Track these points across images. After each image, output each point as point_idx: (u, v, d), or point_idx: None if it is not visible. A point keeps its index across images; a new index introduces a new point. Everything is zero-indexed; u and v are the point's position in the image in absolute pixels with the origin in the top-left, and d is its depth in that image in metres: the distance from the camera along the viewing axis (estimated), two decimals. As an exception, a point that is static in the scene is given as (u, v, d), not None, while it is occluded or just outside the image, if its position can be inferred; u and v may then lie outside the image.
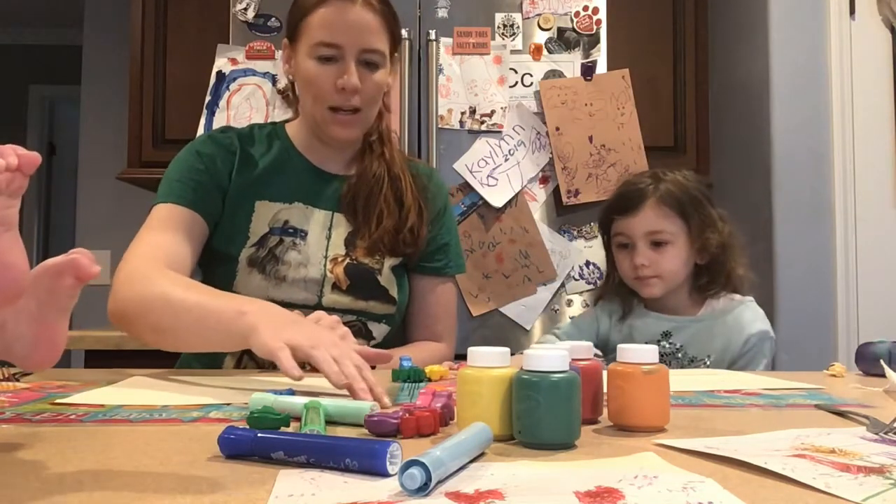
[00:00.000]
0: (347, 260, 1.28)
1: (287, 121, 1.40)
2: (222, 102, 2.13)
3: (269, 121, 1.85)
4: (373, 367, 0.96)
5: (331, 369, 0.86)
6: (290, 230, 1.27)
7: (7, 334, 0.64)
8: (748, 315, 1.40)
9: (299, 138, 1.35)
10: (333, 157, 1.35)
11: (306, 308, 1.22)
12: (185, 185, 1.24)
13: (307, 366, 1.20)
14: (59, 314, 0.65)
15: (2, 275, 0.56)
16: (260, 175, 1.30)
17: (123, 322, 1.14)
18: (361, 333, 1.27)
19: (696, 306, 1.44)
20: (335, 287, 1.26)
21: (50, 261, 0.64)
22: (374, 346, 1.28)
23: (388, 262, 1.30)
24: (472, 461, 0.56)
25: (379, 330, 1.30)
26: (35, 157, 0.56)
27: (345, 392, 0.85)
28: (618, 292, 1.49)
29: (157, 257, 1.15)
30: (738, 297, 1.44)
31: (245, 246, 1.26)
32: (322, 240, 1.29)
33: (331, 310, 1.23)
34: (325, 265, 1.27)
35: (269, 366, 1.25)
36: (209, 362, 1.28)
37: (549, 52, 2.13)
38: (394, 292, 1.30)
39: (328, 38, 1.22)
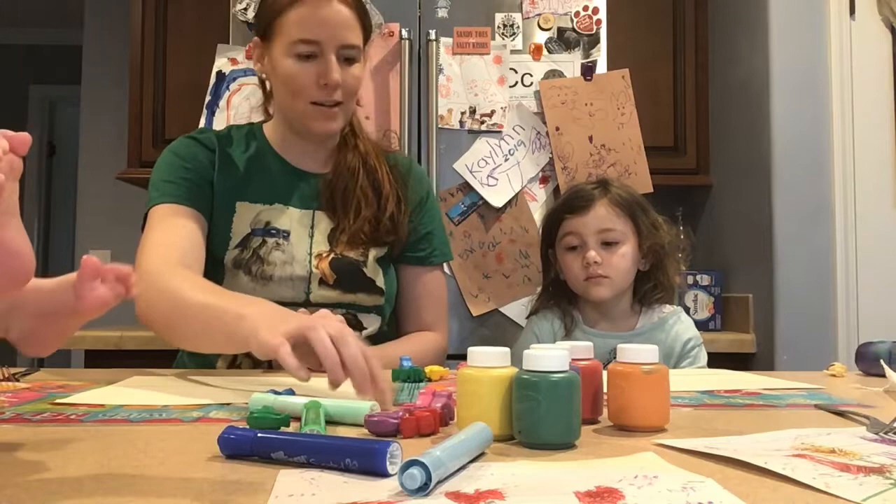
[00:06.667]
0: (332, 255, 1.29)
1: (264, 121, 1.40)
2: (222, 102, 2.13)
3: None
4: None
5: (326, 351, 0.81)
6: (273, 231, 1.28)
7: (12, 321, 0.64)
8: (684, 322, 1.44)
9: (275, 138, 1.36)
10: (311, 154, 1.35)
11: (294, 306, 1.22)
12: (177, 185, 1.25)
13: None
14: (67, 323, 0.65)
15: (10, 262, 0.56)
16: (240, 175, 1.31)
17: (147, 324, 1.16)
18: (353, 326, 1.27)
19: (633, 317, 1.45)
20: (322, 282, 1.27)
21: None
22: (367, 338, 1.29)
23: (373, 254, 1.31)
24: (472, 461, 0.56)
25: (370, 321, 1.31)
26: (26, 137, 0.56)
27: (345, 389, 0.85)
28: (558, 304, 1.46)
29: (169, 255, 1.16)
30: (667, 307, 1.46)
31: (228, 248, 1.27)
32: (305, 238, 1.30)
33: (320, 305, 1.24)
34: (310, 262, 1.28)
35: (264, 365, 1.25)
36: (203, 363, 1.28)
37: (549, 51, 2.13)
38: (380, 282, 1.31)
39: (307, 35, 1.23)
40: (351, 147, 1.35)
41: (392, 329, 1.38)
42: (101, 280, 0.64)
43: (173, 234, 1.20)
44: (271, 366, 1.25)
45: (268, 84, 1.38)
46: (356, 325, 1.29)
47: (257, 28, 1.32)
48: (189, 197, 1.25)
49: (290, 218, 1.30)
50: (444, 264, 1.48)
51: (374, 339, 1.30)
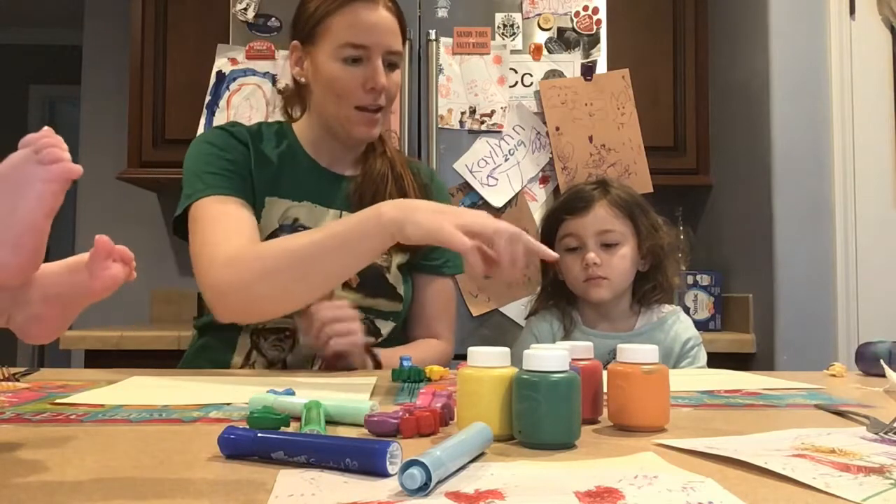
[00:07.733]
0: None
1: (293, 121, 1.40)
2: (222, 102, 2.13)
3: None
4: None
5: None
6: (300, 228, 1.28)
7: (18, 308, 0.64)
8: (683, 321, 1.44)
9: (307, 139, 1.35)
10: (341, 157, 1.35)
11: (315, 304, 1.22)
12: (222, 176, 1.23)
13: (317, 364, 1.20)
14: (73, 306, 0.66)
15: (36, 260, 0.57)
16: (273, 171, 1.30)
17: (248, 306, 1.13)
18: (369, 330, 1.28)
19: (632, 318, 1.45)
20: (345, 284, 1.27)
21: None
22: (381, 343, 1.29)
23: (396, 260, 1.32)
24: (472, 461, 0.56)
25: (386, 327, 1.31)
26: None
27: (345, 389, 0.84)
28: (557, 305, 1.46)
29: (243, 236, 1.15)
30: (667, 307, 1.46)
31: None
32: None
33: None
34: None
35: (278, 364, 1.25)
36: (215, 361, 1.27)
37: (549, 51, 2.13)
38: (401, 290, 1.32)
39: (356, 40, 1.23)
40: (379, 153, 1.36)
41: (401, 335, 1.38)
42: (112, 259, 0.65)
43: (232, 220, 1.18)
44: (286, 366, 1.25)
45: (297, 86, 1.36)
46: (373, 331, 1.29)
47: (297, 33, 1.31)
48: (236, 188, 1.23)
49: (318, 217, 1.30)
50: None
51: (387, 344, 1.30)
